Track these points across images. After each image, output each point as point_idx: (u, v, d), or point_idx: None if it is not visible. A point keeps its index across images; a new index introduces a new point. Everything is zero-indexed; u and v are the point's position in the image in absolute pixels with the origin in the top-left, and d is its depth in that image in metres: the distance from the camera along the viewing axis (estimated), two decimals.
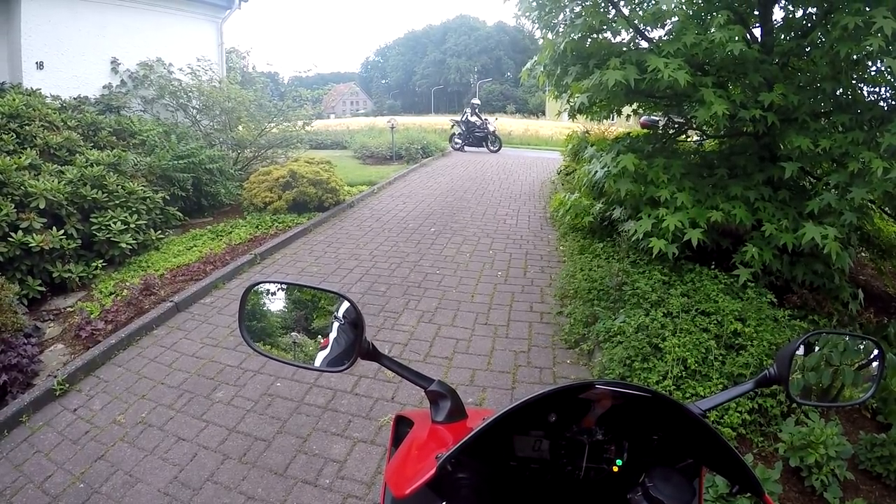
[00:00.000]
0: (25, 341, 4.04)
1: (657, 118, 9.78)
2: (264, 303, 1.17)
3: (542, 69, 5.34)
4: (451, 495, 0.87)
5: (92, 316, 4.58)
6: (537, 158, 17.23)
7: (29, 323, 4.40)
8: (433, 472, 0.75)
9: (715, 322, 3.60)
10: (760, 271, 4.00)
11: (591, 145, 5.80)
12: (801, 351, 1.05)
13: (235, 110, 9.76)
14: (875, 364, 1.10)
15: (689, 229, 4.02)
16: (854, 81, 4.26)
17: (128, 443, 3.20)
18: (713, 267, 4.20)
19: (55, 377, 3.74)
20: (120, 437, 3.25)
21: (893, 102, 4.32)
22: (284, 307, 1.16)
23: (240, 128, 10.26)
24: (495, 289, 5.35)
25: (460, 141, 19.26)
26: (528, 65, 5.84)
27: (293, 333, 1.13)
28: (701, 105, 3.97)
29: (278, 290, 1.19)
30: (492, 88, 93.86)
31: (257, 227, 7.37)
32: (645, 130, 7.10)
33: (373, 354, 1.04)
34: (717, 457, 0.88)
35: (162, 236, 6.57)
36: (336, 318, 1.10)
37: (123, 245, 5.78)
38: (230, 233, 7.07)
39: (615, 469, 0.99)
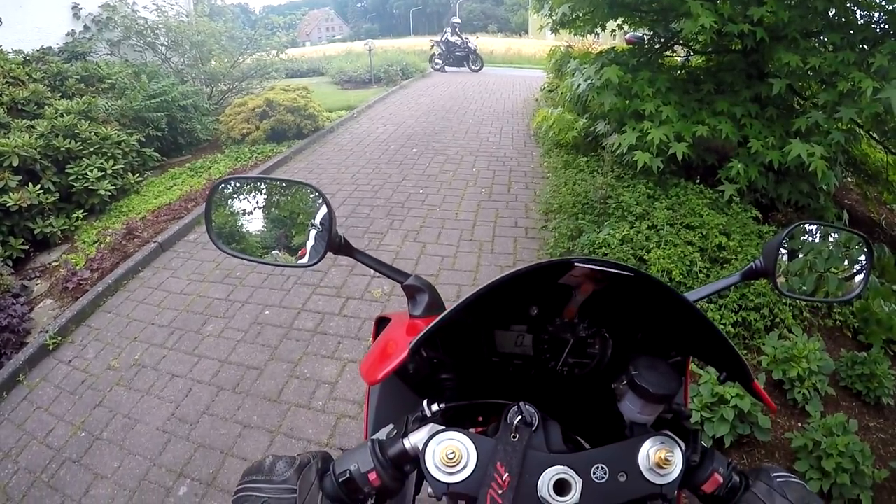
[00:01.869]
0: (14, 301, 3.97)
1: (642, 35, 9.48)
2: (231, 201, 1.10)
3: None
4: (435, 395, 0.83)
5: (77, 267, 4.49)
6: (520, 77, 16.75)
7: (15, 283, 4.32)
8: (405, 354, 0.72)
9: (700, 236, 3.58)
10: (745, 188, 3.96)
11: (575, 59, 5.59)
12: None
13: (205, 44, 9.30)
14: (863, 260, 1.06)
15: (675, 143, 3.92)
16: (847, 4, 4.08)
17: (123, 386, 3.21)
18: (698, 182, 4.17)
19: (47, 332, 3.69)
20: (115, 381, 3.26)
21: (886, 26, 4.14)
22: (252, 204, 1.08)
23: (212, 62, 9.81)
24: (479, 206, 5.30)
25: (441, 61, 18.64)
26: None
27: (263, 230, 1.08)
28: (688, 18, 3.80)
29: (245, 185, 1.12)
30: (472, 7, 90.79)
31: (236, 159, 7.19)
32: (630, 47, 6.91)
33: (345, 248, 0.98)
34: (704, 345, 0.86)
35: (140, 179, 6.37)
36: (308, 210, 1.04)
37: (102, 192, 5.60)
38: (209, 168, 6.89)
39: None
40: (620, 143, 4.20)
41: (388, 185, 5.97)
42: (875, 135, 4.58)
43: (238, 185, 1.13)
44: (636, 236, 3.64)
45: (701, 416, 2.48)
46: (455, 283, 3.95)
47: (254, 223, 1.07)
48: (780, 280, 1.00)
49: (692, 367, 2.49)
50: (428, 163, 6.66)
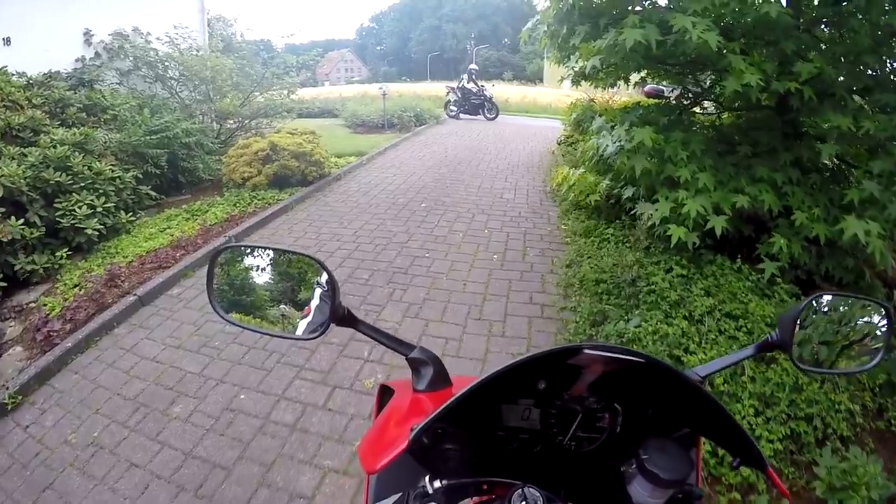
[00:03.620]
0: None
1: (663, 87, 9.07)
2: (233, 268, 1.09)
3: (544, 29, 4.69)
4: (439, 467, 0.87)
5: (50, 314, 4.11)
6: (536, 127, 16.55)
7: None
8: (405, 444, 0.71)
9: (744, 330, 3.10)
10: (787, 265, 3.48)
11: (599, 115, 5.18)
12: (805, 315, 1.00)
13: (215, 80, 9.13)
14: (883, 330, 1.01)
15: (713, 216, 3.48)
16: None
17: (78, 469, 2.81)
18: (734, 257, 3.72)
19: (7, 389, 3.35)
20: (71, 461, 2.87)
21: None
22: (254, 273, 1.07)
23: (227, 98, 9.63)
24: (490, 275, 4.79)
25: (456, 108, 18.50)
26: (529, 24, 5.22)
27: (264, 299, 1.05)
28: (729, 74, 3.37)
29: (247, 253, 1.10)
30: (489, 55, 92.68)
31: (235, 204, 6.81)
32: (651, 100, 6.53)
33: (348, 320, 0.98)
34: (717, 427, 0.84)
35: (134, 218, 6.03)
36: (309, 283, 1.03)
37: (89, 231, 5.23)
38: (206, 212, 6.52)
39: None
40: (652, 215, 3.73)
41: (391, 245, 5.50)
42: None
43: (240, 252, 1.11)
44: (672, 331, 3.12)
45: None
46: (459, 372, 3.40)
47: (255, 292, 1.06)
48: (797, 353, 0.98)
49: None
50: (437, 221, 6.21)
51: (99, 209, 5.46)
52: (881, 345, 1.02)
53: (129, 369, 3.60)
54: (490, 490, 0.91)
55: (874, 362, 1.02)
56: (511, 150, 11.53)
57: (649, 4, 4.21)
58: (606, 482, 0.91)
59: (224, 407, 3.21)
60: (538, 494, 0.74)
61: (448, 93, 18.84)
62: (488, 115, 18.11)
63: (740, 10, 3.31)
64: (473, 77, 18.41)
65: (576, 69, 4.86)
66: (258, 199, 6.99)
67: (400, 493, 0.81)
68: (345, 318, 0.97)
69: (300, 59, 11.24)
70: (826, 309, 1.04)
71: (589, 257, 4.48)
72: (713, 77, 4.75)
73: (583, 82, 5.56)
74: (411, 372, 1.00)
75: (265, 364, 3.58)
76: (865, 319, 1.04)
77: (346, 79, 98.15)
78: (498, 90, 21.24)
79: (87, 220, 5.26)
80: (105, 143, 6.37)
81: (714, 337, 3.08)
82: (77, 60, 8.44)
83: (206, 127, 8.80)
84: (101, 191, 5.64)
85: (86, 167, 5.58)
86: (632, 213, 4.39)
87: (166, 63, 8.95)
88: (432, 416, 0.72)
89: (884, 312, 1.02)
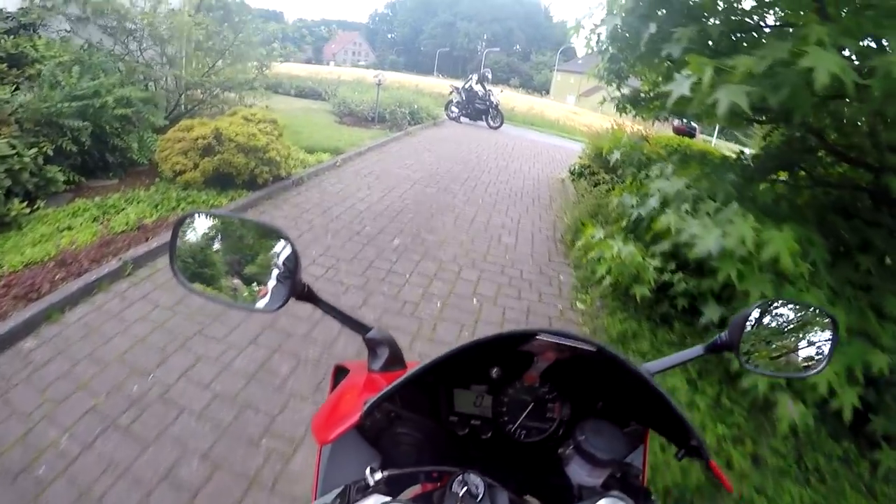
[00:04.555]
0: None
1: (695, 126, 7.76)
2: (196, 236, 1.02)
3: (610, 24, 3.10)
4: (390, 451, 0.91)
5: None
6: (543, 145, 14.94)
7: None
8: (358, 417, 0.72)
9: None
10: None
11: (667, 170, 3.59)
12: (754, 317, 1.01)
13: (171, 40, 7.41)
14: (828, 339, 1.03)
15: (845, 386, 2.26)
16: None
17: None
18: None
19: None
20: None
21: None
22: (217, 242, 1.01)
23: (192, 65, 7.93)
24: None
25: (457, 110, 16.85)
26: (583, 17, 3.66)
27: (227, 269, 1.00)
28: None
29: (213, 221, 1.03)
30: (498, 59, 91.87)
31: (157, 206, 5.13)
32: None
33: (307, 296, 0.95)
34: (664, 419, 0.84)
35: (28, 211, 4.41)
36: (274, 255, 0.97)
37: None
38: (121, 210, 4.89)
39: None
40: (757, 385, 2.23)
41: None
42: None
43: (205, 219, 1.04)
44: None
45: None
46: None
47: (218, 262, 1.02)
48: (745, 355, 1.01)
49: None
50: (408, 273, 4.45)
51: None
52: (825, 353, 1.03)
53: None
54: (440, 478, 0.88)
55: (819, 368, 1.03)
56: (515, 171, 9.88)
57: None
58: (549, 468, 0.92)
59: None
60: (479, 480, 0.74)
61: (451, 92, 17.17)
62: (492, 124, 16.50)
63: None
64: (484, 80, 16.75)
65: (645, 88, 3.33)
66: (187, 202, 5.31)
67: (343, 487, 0.77)
68: (304, 294, 0.94)
69: (283, 28, 9.60)
70: (776, 314, 1.06)
71: None
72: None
73: (629, 110, 4.14)
74: (368, 352, 0.99)
75: None
76: (813, 328, 1.06)
77: (353, 61, 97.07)
78: (505, 97, 19.57)
79: None
80: (17, 106, 4.77)
81: None
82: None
83: (153, 97, 7.02)
84: None
85: None
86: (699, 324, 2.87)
87: (120, 13, 7.12)
88: (385, 390, 0.74)
89: (829, 322, 1.04)
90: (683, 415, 0.76)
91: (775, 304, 1.07)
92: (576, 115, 29.17)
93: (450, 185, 7.70)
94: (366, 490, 0.75)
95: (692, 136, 12.50)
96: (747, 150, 4.94)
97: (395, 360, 0.96)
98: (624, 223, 3.98)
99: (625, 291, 3.69)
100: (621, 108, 4.67)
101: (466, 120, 16.79)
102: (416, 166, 8.65)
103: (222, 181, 5.75)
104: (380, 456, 0.89)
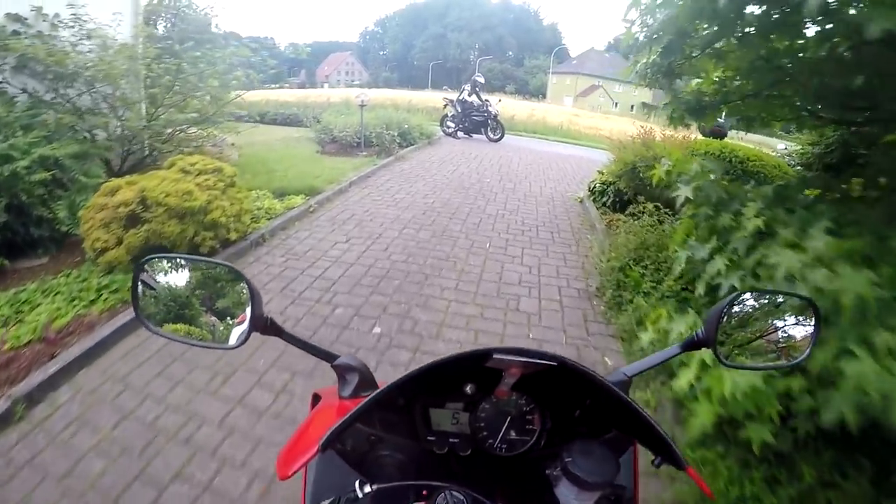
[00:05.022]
0: None
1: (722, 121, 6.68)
2: (156, 278, 1.04)
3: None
4: (375, 473, 0.89)
5: None
6: (551, 156, 13.55)
7: None
8: (315, 449, 0.72)
9: None
10: None
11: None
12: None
13: (121, 79, 6.15)
14: (810, 324, 0.99)
15: None
16: None
17: None
18: None
19: None
20: None
21: None
22: (177, 282, 1.03)
23: (143, 107, 6.72)
24: None
25: (453, 125, 15.51)
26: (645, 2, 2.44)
27: (188, 309, 1.02)
28: None
29: (170, 263, 1.05)
30: (492, 67, 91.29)
31: (72, 300, 3.85)
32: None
33: (272, 329, 0.96)
34: (640, 427, 0.83)
35: None
36: (232, 292, 1.01)
37: None
38: (35, 307, 3.70)
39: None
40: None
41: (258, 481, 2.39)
42: None
43: (162, 262, 1.05)
44: None
45: None
46: None
47: (179, 302, 1.03)
48: (722, 350, 0.97)
49: None
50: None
51: None
52: (808, 338, 0.99)
53: None
54: (429, 496, 0.84)
55: (804, 356, 0.99)
56: (524, 194, 8.44)
57: None
58: (537, 485, 0.89)
59: None
60: (462, 497, 0.75)
61: (446, 105, 15.87)
62: (492, 136, 15.16)
63: None
64: (477, 89, 15.43)
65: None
66: (110, 291, 3.99)
67: (332, 499, 0.78)
68: (268, 327, 0.96)
69: (253, 55, 8.38)
70: (751, 305, 1.02)
71: None
72: None
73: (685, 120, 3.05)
74: (337, 379, 1.00)
75: None
76: (791, 315, 1.01)
77: (347, 82, 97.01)
78: (504, 106, 18.20)
79: None
80: None
81: None
82: None
83: (89, 150, 5.71)
84: None
85: None
86: None
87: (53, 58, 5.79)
88: (342, 419, 0.73)
89: (808, 307, 1.00)
90: (653, 422, 0.76)
91: (747, 296, 1.02)
92: (576, 117, 27.85)
93: (448, 224, 6.29)
94: (356, 502, 0.75)
95: (723, 136, 11.09)
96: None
97: (366, 383, 0.97)
98: (701, 289, 2.61)
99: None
100: (677, 119, 3.30)
101: (464, 134, 15.47)
102: (407, 201, 7.25)
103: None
104: (365, 479, 0.80)
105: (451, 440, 0.97)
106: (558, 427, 0.97)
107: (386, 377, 0.79)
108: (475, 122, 15.27)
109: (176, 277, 1.03)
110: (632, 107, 72.71)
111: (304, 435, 0.87)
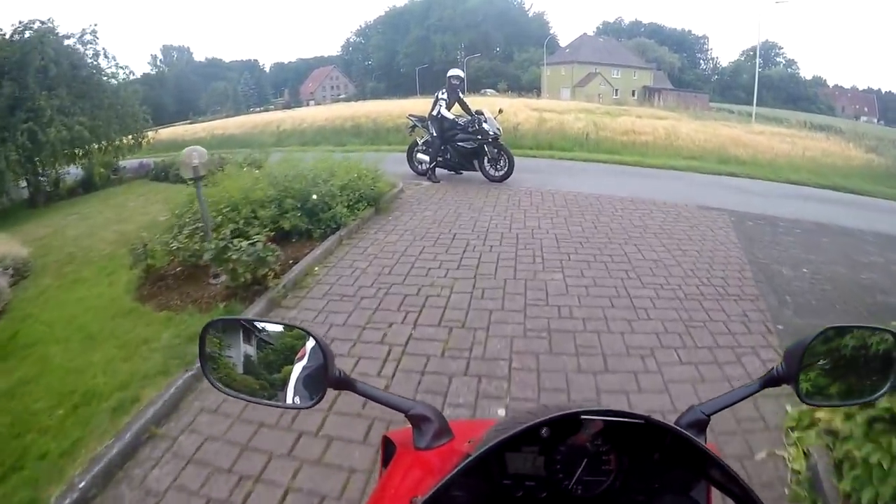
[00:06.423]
0: None
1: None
2: (225, 341, 1.06)
3: None
4: None
5: None
6: (620, 219, 7.41)
7: None
8: None
9: None
10: None
11: None
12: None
13: None
14: (893, 357, 0.96)
15: None
16: None
17: None
18: None
19: None
20: None
21: None
22: (246, 344, 1.04)
23: None
24: None
25: (427, 158, 9.48)
26: None
27: (258, 370, 1.03)
28: None
29: (238, 327, 1.06)
30: (481, 65, 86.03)
31: None
32: None
33: (345, 383, 0.98)
34: (722, 476, 0.80)
35: None
36: (303, 354, 1.00)
37: None
38: None
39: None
40: None
41: None
42: None
43: (230, 325, 1.08)
44: None
45: None
46: None
47: (248, 363, 1.04)
48: (803, 387, 0.95)
49: None
50: None
51: None
52: (890, 372, 0.97)
53: None
54: None
55: (884, 390, 0.97)
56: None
57: None
58: None
59: None
60: None
61: (413, 127, 9.91)
62: (492, 173, 9.17)
63: None
64: (459, 92, 9.44)
65: None
66: None
67: None
68: (341, 382, 0.97)
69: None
70: (833, 341, 0.99)
71: None
72: None
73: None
74: (412, 428, 0.99)
75: None
76: (874, 349, 0.99)
77: (333, 97, 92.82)
78: (504, 116, 11.93)
79: None
80: None
81: None
82: None
83: None
84: None
85: None
86: None
87: None
88: (431, 492, 0.72)
89: (892, 340, 0.97)
90: (735, 475, 0.75)
91: (832, 333, 0.99)
92: (607, 117, 21.21)
93: None
94: None
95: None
96: None
97: (442, 432, 0.97)
98: None
99: None
100: None
101: (446, 171, 9.48)
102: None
103: None
104: None
105: (526, 483, 0.92)
106: (635, 468, 0.92)
107: None
108: (463, 152, 9.21)
109: (243, 339, 1.03)
110: (633, 92, 66.53)
111: (386, 492, 0.91)
